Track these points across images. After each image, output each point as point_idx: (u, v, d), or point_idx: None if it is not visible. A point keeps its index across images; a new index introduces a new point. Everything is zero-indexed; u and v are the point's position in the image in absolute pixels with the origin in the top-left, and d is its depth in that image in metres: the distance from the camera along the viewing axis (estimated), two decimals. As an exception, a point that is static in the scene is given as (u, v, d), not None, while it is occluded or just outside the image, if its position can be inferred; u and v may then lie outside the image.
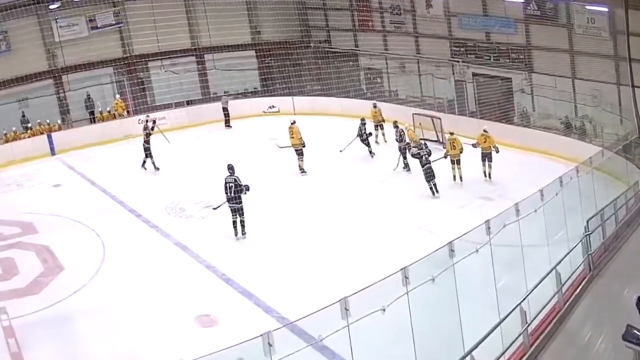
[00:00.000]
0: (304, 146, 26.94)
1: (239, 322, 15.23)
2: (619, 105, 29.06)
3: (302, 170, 26.99)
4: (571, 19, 30.52)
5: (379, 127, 31.17)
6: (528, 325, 12.14)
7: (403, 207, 23.18)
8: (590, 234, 15.31)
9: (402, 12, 38.19)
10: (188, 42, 39.85)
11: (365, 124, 28.86)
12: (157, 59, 38.86)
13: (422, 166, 24.07)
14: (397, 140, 27.32)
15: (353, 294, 9.36)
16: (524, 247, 13.82)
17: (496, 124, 29.83)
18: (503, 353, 11.60)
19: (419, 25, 37.71)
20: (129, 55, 38.21)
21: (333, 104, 37.26)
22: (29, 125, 33.52)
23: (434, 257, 11.25)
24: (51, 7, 35.25)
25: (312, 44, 41.86)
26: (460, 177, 25.43)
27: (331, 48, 41.82)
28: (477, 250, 12.19)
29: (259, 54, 41.31)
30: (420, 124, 30.37)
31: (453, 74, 35.49)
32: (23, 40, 34.26)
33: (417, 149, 24.43)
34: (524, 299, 12.37)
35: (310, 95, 38.71)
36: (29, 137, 32.83)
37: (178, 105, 37.76)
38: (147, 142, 27.97)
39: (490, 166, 25.39)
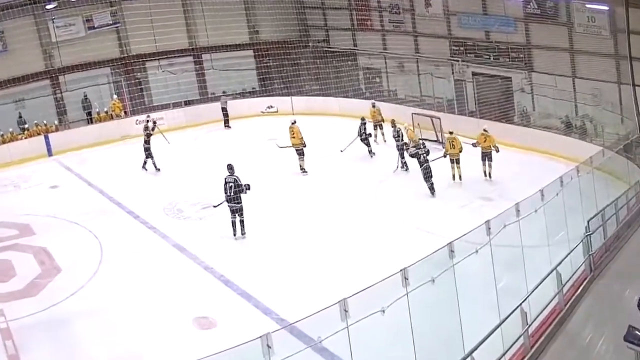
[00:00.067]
0: (304, 146, 26.87)
1: (238, 323, 15.12)
2: (620, 104, 28.94)
3: (303, 170, 26.92)
4: (571, 17, 30.39)
5: (378, 126, 31.15)
6: (529, 327, 12.08)
7: (402, 207, 23.10)
8: (591, 234, 15.23)
9: (401, 11, 38.11)
10: (186, 42, 39.75)
11: (365, 123, 28.88)
12: (155, 59, 38.75)
13: (421, 165, 24.04)
14: (394, 138, 27.38)
15: (352, 295, 9.29)
16: (525, 248, 13.74)
17: (496, 123, 29.78)
18: (503, 354, 11.55)
19: (418, 25, 37.61)
20: (126, 55, 38.09)
21: (332, 104, 37.23)
22: (26, 126, 33.42)
23: (433, 257, 11.19)
24: (48, 7, 35.06)
25: (310, 44, 41.81)
26: (460, 176, 25.41)
27: (330, 47, 41.74)
28: (477, 251, 12.12)
29: (257, 53, 41.24)
30: (418, 124, 30.34)
31: (452, 73, 35.50)
32: (20, 41, 34.08)
33: (415, 148, 24.36)
34: (525, 299, 12.32)
35: (309, 95, 38.65)
36: (25, 138, 32.71)
37: (176, 105, 37.65)
38: (147, 142, 27.82)
39: (490, 166, 25.37)
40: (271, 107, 37.97)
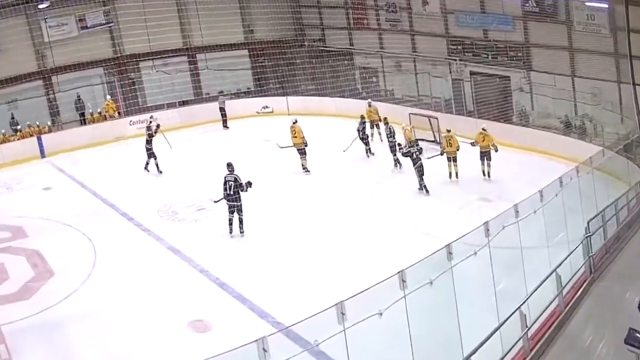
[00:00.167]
0: (306, 145, 26.92)
1: (233, 327, 15.03)
2: (620, 103, 28.96)
3: (306, 170, 26.97)
4: (570, 15, 30.37)
5: (374, 126, 31.10)
6: (528, 329, 12.01)
7: (400, 208, 23.05)
8: (591, 235, 15.12)
9: (398, 10, 38.07)
10: (180, 42, 39.61)
11: (365, 122, 28.99)
12: (149, 59, 38.60)
13: (414, 164, 24.17)
14: (387, 136, 27.62)
15: (349, 297, 9.23)
16: (524, 249, 13.72)
17: (494, 123, 29.70)
18: (503, 358, 11.46)
19: (415, 23, 37.56)
20: (119, 55, 37.91)
21: (328, 104, 37.10)
22: (18, 127, 33.24)
23: (431, 259, 11.17)
24: (40, 6, 34.86)
25: (306, 43, 41.75)
26: (456, 174, 25.48)
27: (325, 47, 41.68)
28: (475, 253, 12.09)
29: (252, 53, 41.15)
30: (412, 126, 29.95)
31: (450, 72, 35.51)
32: (12, 41, 33.80)
33: (408, 146, 24.53)
34: (524, 302, 12.23)
35: (305, 95, 38.54)
36: (18, 139, 32.52)
37: (170, 106, 37.48)
38: (149, 142, 27.56)
39: (489, 165, 25.45)
40: (266, 107, 37.88)
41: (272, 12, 39.88)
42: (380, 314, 9.67)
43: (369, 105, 31.49)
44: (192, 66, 39.99)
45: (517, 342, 11.81)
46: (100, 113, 35.51)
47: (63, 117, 36.16)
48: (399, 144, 25.69)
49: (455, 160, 25.35)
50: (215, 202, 21.07)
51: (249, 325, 15.12)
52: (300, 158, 26.99)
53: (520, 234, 13.50)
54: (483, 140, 25.32)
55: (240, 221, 20.70)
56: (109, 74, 37.86)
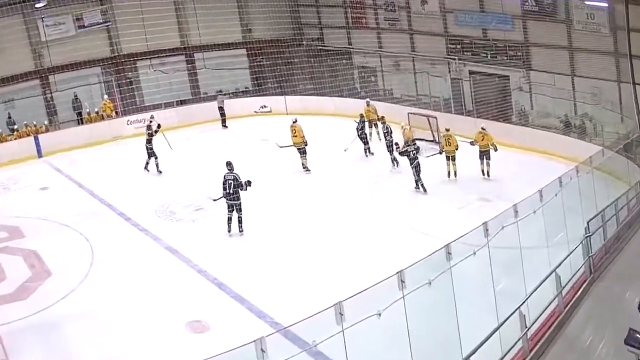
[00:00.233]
0: (306, 144, 26.97)
1: (231, 327, 15.02)
2: (620, 103, 28.96)
3: (306, 169, 27.01)
4: (570, 14, 30.34)
5: (373, 125, 31.13)
6: (527, 330, 12.01)
7: (399, 208, 23.06)
8: (591, 235, 15.15)
9: (397, 9, 38.02)
10: (177, 41, 39.46)
11: (364, 121, 29.05)
12: (146, 59, 38.47)
13: (411, 163, 24.26)
14: (384, 135, 28.00)
15: (348, 298, 9.25)
16: (523, 249, 13.70)
17: (494, 123, 29.76)
18: (502, 358, 11.46)
19: (413, 22, 37.53)
20: (117, 54, 37.76)
21: (326, 104, 37.02)
22: (15, 126, 33.16)
23: (430, 260, 11.17)
24: (37, 5, 34.78)
25: (304, 42, 41.65)
26: (455, 173, 25.55)
27: (324, 46, 41.59)
28: (474, 253, 12.07)
29: (250, 52, 41.03)
30: (410, 126, 29.85)
31: (449, 72, 35.51)
32: (8, 40, 33.68)
33: (405, 145, 24.62)
34: (523, 302, 12.24)
35: (303, 95, 38.44)
36: (15, 139, 32.38)
37: (167, 105, 37.32)
38: (149, 142, 27.44)
39: (488, 164, 25.56)
40: (264, 106, 37.79)
41: (270, 11, 39.81)
42: (379, 315, 9.65)
43: (367, 105, 31.47)
44: (189, 65, 39.86)
45: (516, 343, 11.80)
46: (97, 113, 35.32)
47: (60, 116, 35.95)
48: (396, 143, 25.69)
49: (454, 159, 25.42)
50: (214, 200, 21.13)
51: (247, 326, 15.08)
52: (301, 157, 27.01)
53: (519, 234, 13.46)
54: (482, 140, 25.40)
55: (240, 220, 20.74)
56: (107, 74, 37.70)
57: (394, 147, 25.93)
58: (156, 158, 27.51)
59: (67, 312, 16.41)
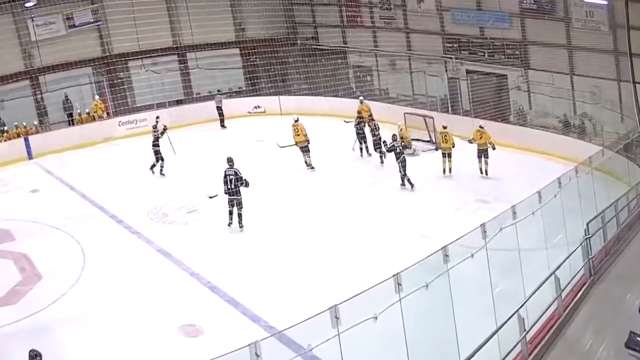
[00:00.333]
0: (309, 142, 27.18)
1: (225, 331, 14.98)
2: (620, 102, 28.90)
3: (311, 167, 27.28)
4: (569, 12, 30.24)
5: (366, 123, 30.60)
6: (526, 333, 12.05)
7: (395, 210, 23.04)
8: (591, 237, 15.20)
9: (393, 7, 37.89)
10: (169, 41, 39.32)
11: (362, 119, 29.06)
12: (138, 58, 38.28)
13: (397, 158, 24.46)
14: (372, 132, 28.19)
15: (344, 301, 9.27)
16: (522, 252, 13.71)
17: (491, 122, 29.56)
18: None
19: (410, 21, 37.43)
20: (108, 54, 37.62)
21: (321, 104, 36.86)
22: (5, 128, 32.89)
23: (427, 262, 11.22)
24: (27, 5, 34.62)
25: (298, 41, 41.52)
26: (450, 170, 25.83)
27: (319, 45, 41.35)
28: (472, 255, 12.07)
29: (243, 52, 40.88)
30: (406, 126, 29.99)
31: (446, 71, 35.50)
32: (-2, 40, 33.63)
33: (391, 140, 24.80)
34: (522, 305, 12.28)
35: (298, 95, 38.34)
36: (4, 140, 32.14)
37: (160, 106, 37.05)
38: (155, 145, 27.14)
39: (486, 162, 25.81)
40: (258, 107, 37.72)
41: (263, 10, 39.62)
42: (375, 318, 9.65)
43: (361, 102, 31.14)
44: (182, 65, 39.77)
45: (515, 346, 11.80)
46: (88, 113, 35.10)
47: (51, 117, 35.86)
48: (384, 141, 25.80)
49: (450, 156, 25.67)
50: (210, 197, 21.52)
51: (242, 330, 15.05)
52: (304, 155, 27.25)
53: (518, 235, 13.45)
54: (480, 138, 25.49)
55: (240, 216, 21.08)
56: (98, 74, 37.54)
57: (382, 143, 26.17)
58: (162, 161, 27.25)
59: (58, 317, 16.34)
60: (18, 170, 29.72)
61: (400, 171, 24.39)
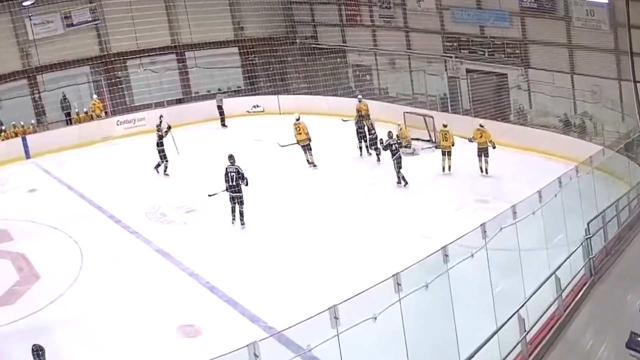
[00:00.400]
0: (311, 140, 27.28)
1: (224, 332, 14.97)
2: (620, 101, 28.85)
3: (313, 165, 27.40)
4: (569, 11, 30.15)
5: (365, 121, 30.60)
6: (527, 333, 12.10)
7: (395, 210, 22.99)
8: (591, 237, 15.25)
9: (392, 6, 37.76)
10: (168, 40, 39.23)
11: (362, 117, 29.02)
12: (136, 57, 38.21)
13: (392, 156, 24.61)
14: (368, 131, 28.33)
15: (343, 301, 9.27)
16: (522, 251, 13.71)
17: (492, 122, 29.45)
18: None
19: (409, 20, 37.33)
20: (106, 53, 37.52)
21: (320, 103, 36.73)
22: (3, 127, 32.84)
23: (427, 262, 11.21)
24: (24, 3, 34.48)
25: (297, 40, 41.42)
26: (449, 167, 25.96)
27: (318, 44, 41.30)
28: (472, 255, 12.07)
29: (242, 51, 40.80)
30: (405, 125, 29.97)
31: (446, 70, 35.42)
32: (-5, 39, 33.59)
33: (387, 138, 24.86)
34: (522, 305, 12.33)
35: (296, 94, 38.23)
36: (2, 140, 32.11)
37: (158, 105, 37.10)
38: (160, 144, 27.06)
39: (487, 161, 25.91)
40: (257, 106, 37.66)
41: (262, 9, 39.44)
42: (375, 318, 9.67)
43: (360, 101, 31.10)
44: (180, 64, 39.69)
45: (515, 347, 11.85)
46: (86, 113, 35.06)
47: (48, 117, 35.82)
48: (381, 139, 25.78)
49: (449, 154, 25.78)
50: (210, 195, 21.39)
51: (240, 330, 15.05)
52: (306, 154, 27.34)
53: (518, 235, 13.45)
54: (480, 137, 25.55)
55: (241, 213, 21.20)
56: (96, 73, 37.43)
57: (378, 141, 26.15)
58: (167, 161, 27.17)
59: (56, 317, 16.31)
60: (16, 170, 29.71)
61: (395, 168, 24.49)
